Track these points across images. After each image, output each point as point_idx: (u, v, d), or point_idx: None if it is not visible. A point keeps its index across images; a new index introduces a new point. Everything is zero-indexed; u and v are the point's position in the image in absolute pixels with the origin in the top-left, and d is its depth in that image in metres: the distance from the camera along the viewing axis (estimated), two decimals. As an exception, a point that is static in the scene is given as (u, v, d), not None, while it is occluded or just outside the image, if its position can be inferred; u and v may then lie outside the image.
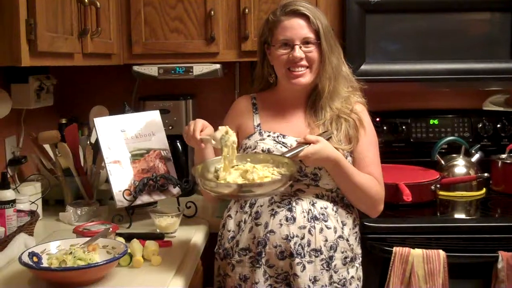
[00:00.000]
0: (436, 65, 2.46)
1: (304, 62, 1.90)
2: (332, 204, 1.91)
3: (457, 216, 2.45)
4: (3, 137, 2.34)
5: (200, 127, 1.84)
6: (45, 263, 1.63)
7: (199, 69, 2.49)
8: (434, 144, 2.64)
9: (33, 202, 2.12)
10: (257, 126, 1.99)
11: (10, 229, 1.83)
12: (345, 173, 1.85)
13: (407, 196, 2.29)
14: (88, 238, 1.75)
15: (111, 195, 2.15)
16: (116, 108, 2.42)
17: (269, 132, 1.95)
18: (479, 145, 2.69)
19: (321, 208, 1.88)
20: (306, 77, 1.92)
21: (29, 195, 2.11)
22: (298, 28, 1.89)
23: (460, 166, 2.60)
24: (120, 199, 2.12)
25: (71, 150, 2.30)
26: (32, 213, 1.99)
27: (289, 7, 1.91)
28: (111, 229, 1.88)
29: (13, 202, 1.86)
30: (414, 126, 2.84)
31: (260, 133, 1.96)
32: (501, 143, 2.78)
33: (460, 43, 2.47)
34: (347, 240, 1.90)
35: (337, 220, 1.90)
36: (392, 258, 2.10)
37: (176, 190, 2.25)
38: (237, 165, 1.75)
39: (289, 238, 1.83)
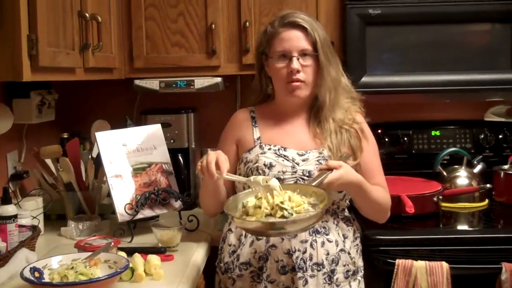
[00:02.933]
0: (437, 77, 2.46)
1: (301, 75, 1.90)
2: (333, 217, 1.91)
3: (460, 227, 2.44)
4: (5, 152, 2.34)
5: (223, 161, 1.76)
6: (46, 278, 1.62)
7: (201, 82, 2.50)
8: (436, 156, 2.64)
9: (34, 217, 2.12)
10: (257, 139, 1.98)
11: (11, 244, 1.83)
12: (366, 194, 1.87)
13: (410, 208, 2.28)
14: (89, 253, 1.75)
15: (113, 209, 2.15)
16: (117, 122, 2.42)
17: (270, 145, 1.95)
18: (481, 156, 2.68)
19: (323, 221, 1.87)
20: (303, 90, 1.92)
21: (30, 210, 2.11)
22: (295, 39, 1.90)
23: (462, 177, 2.60)
24: (122, 213, 2.12)
25: (72, 165, 2.30)
26: (34, 228, 1.99)
27: (287, 19, 1.92)
28: (112, 243, 1.87)
29: (14, 217, 1.86)
30: (415, 138, 2.83)
31: (261, 147, 1.95)
32: (503, 154, 2.77)
33: (461, 54, 2.47)
34: (349, 253, 1.89)
35: (338, 233, 1.90)
36: (395, 270, 2.09)
37: (178, 204, 2.24)
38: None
39: (291, 252, 1.83)
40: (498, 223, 2.47)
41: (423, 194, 2.42)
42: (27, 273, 1.59)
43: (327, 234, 1.86)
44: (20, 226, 1.93)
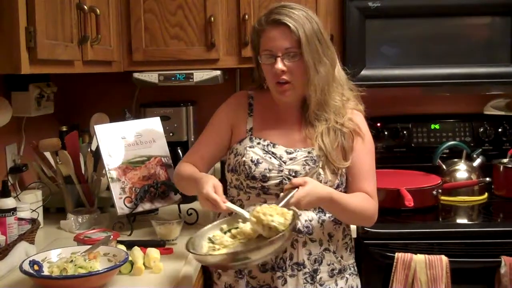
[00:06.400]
0: (436, 70, 2.46)
1: (286, 75, 1.80)
2: (318, 216, 1.83)
3: (459, 221, 2.44)
4: (3, 145, 2.33)
5: (221, 192, 1.70)
6: (46, 272, 1.63)
7: (200, 75, 2.49)
8: (436, 149, 2.64)
9: (34, 210, 2.12)
10: (249, 130, 1.92)
11: (11, 237, 1.82)
12: (340, 206, 1.76)
13: (409, 202, 2.28)
14: (89, 246, 1.75)
15: (112, 203, 2.15)
16: (116, 115, 2.42)
17: (260, 139, 1.87)
18: (480, 150, 2.69)
19: (306, 220, 1.80)
20: (291, 91, 1.82)
21: (30, 203, 2.11)
22: (279, 38, 1.79)
23: (461, 171, 2.60)
24: (121, 206, 2.12)
25: (71, 158, 2.29)
26: (33, 221, 1.99)
27: (271, 16, 1.81)
28: (112, 236, 1.87)
29: (14, 210, 1.86)
30: (415, 131, 2.83)
31: (251, 139, 1.88)
32: (503, 148, 2.77)
33: (461, 47, 2.47)
34: (334, 253, 1.84)
35: (322, 233, 1.82)
36: (394, 264, 2.09)
37: (177, 197, 2.24)
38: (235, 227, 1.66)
39: None
40: (498, 216, 2.47)
41: (423, 187, 2.42)
42: (26, 266, 1.59)
43: (310, 234, 1.80)
44: (19, 219, 1.92)
